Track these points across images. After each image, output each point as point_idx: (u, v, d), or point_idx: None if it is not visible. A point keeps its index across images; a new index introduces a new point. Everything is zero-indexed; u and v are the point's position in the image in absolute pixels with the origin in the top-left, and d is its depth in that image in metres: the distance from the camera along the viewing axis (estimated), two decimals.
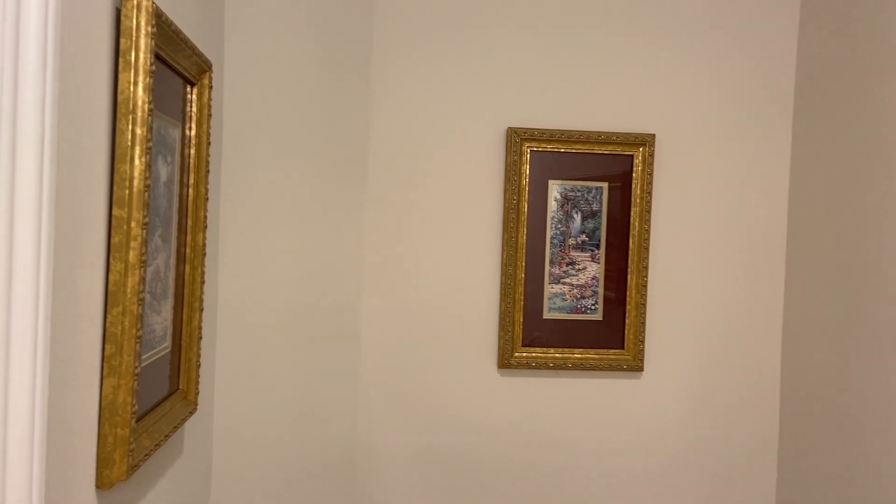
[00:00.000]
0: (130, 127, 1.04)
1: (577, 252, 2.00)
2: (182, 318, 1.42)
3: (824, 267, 1.91)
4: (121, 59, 1.03)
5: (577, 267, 2.00)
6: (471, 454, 2.01)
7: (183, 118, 1.39)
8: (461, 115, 1.99)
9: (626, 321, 2.01)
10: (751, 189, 2.06)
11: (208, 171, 1.49)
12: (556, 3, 2.00)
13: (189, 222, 1.43)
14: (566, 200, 1.99)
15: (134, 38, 1.04)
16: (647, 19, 2.02)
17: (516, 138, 1.96)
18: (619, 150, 1.99)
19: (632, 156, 2.00)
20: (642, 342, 2.02)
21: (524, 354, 1.99)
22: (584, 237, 2.00)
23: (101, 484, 1.03)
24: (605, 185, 2.00)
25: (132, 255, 1.04)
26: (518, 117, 1.99)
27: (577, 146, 1.98)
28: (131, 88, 1.04)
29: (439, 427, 2.01)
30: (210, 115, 1.49)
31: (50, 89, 0.80)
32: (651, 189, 2.00)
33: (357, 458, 1.96)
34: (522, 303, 1.99)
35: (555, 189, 1.99)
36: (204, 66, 1.43)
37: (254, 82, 1.83)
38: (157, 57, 1.14)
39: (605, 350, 2.02)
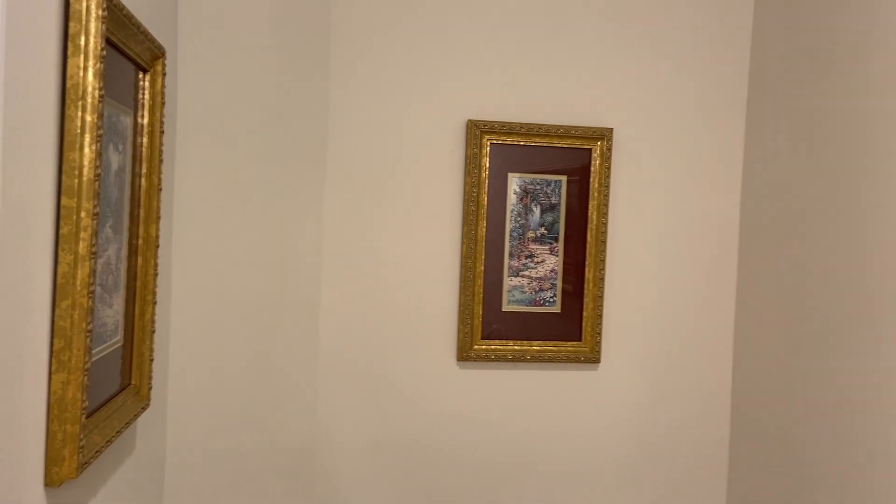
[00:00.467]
0: (80, 114, 1.00)
1: (536, 245, 2.01)
2: (134, 312, 1.38)
3: (776, 260, 1.96)
4: (70, 44, 1.00)
5: (535, 260, 2.02)
6: (430, 446, 2.02)
7: (135, 106, 1.35)
8: (421, 107, 1.98)
9: (584, 313, 2.04)
10: (705, 183, 2.11)
11: (161, 161, 1.45)
12: None
13: (142, 213, 1.39)
14: (525, 193, 2.00)
15: (84, 22, 1.00)
16: (606, 15, 2.04)
17: (476, 131, 1.96)
18: (577, 143, 2.01)
19: (590, 149, 2.02)
20: (599, 334, 2.04)
21: (483, 347, 2.00)
22: (542, 230, 2.01)
23: (50, 482, 1.00)
24: (563, 178, 2.02)
25: (82, 247, 1.01)
26: (478, 110, 1.99)
27: (537, 139, 1.99)
28: (81, 74, 1.00)
29: (399, 420, 2.00)
30: (164, 103, 1.45)
31: None
32: (609, 182, 2.02)
33: (316, 451, 1.94)
34: (482, 295, 1.99)
35: (514, 182, 2.00)
36: (157, 53, 1.39)
37: (209, 70, 1.78)
38: (108, 42, 1.11)
39: (563, 342, 2.04)
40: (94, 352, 1.13)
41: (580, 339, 2.04)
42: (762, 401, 1.99)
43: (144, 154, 1.38)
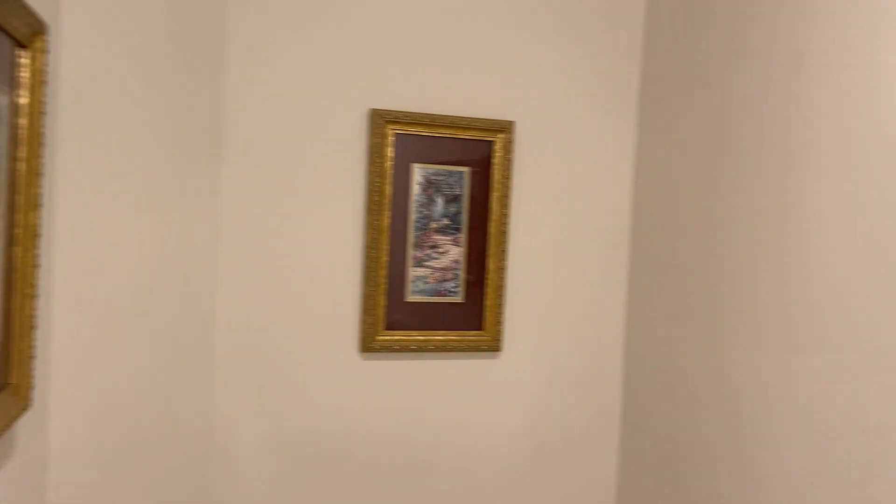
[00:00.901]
0: None
1: (440, 235, 2.02)
2: (13, 307, 1.28)
3: (666, 252, 2.05)
4: None
5: (439, 250, 2.03)
6: (333, 440, 1.99)
7: (12, 84, 1.25)
8: (323, 95, 1.94)
9: (486, 303, 2.07)
10: (598, 177, 2.18)
11: (42, 144, 1.35)
12: None
13: (21, 200, 1.29)
14: (429, 184, 2.01)
15: None
16: (507, 7, 2.07)
17: (380, 120, 1.94)
18: (480, 135, 2.03)
19: (492, 142, 2.04)
20: (501, 324, 2.08)
21: (387, 337, 1.99)
22: (446, 221, 2.03)
23: None
24: (467, 169, 2.03)
25: None
26: (382, 100, 1.97)
27: (441, 130, 2.00)
28: None
29: (300, 414, 1.97)
30: (45, 83, 1.34)
31: None
32: (510, 175, 2.06)
33: (212, 449, 1.88)
34: (385, 286, 1.98)
35: (418, 172, 2.00)
36: (38, 28, 1.29)
37: (96, 48, 1.67)
38: None
39: (466, 332, 2.06)
40: None
41: (482, 329, 2.07)
42: (651, 390, 2.09)
43: (24, 136, 1.28)
